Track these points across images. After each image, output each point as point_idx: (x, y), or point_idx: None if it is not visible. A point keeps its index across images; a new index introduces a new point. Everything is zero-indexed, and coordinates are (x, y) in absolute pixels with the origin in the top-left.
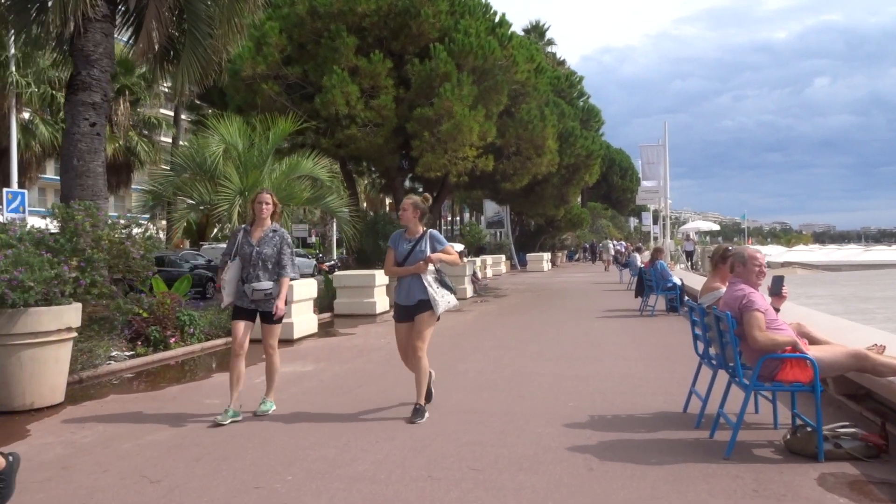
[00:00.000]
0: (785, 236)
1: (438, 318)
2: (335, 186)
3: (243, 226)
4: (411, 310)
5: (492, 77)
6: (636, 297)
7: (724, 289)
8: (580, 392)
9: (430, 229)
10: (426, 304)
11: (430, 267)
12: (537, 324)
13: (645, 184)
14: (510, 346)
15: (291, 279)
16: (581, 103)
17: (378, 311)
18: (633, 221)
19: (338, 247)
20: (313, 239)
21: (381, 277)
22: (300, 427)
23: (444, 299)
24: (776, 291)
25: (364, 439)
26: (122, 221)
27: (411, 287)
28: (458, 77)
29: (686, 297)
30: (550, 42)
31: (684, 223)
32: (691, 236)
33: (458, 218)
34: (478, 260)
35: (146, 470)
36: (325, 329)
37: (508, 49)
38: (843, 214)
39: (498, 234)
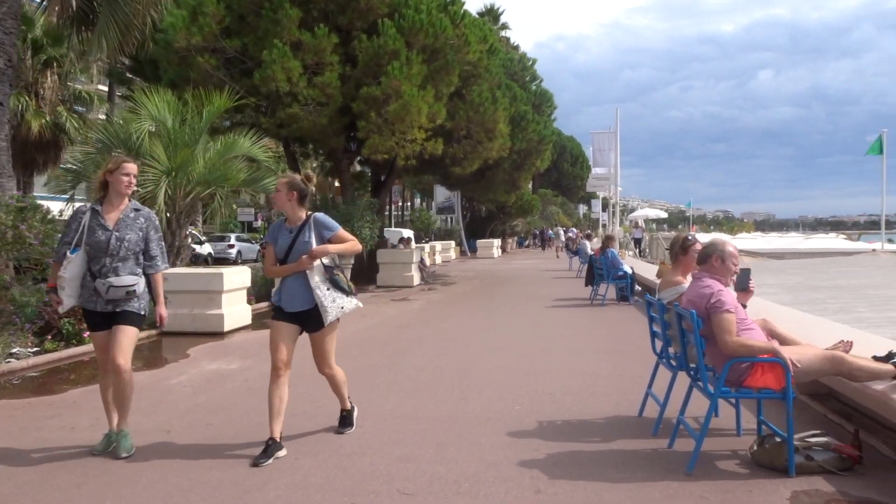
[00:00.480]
0: (728, 224)
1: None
2: (277, 168)
3: (89, 205)
4: (301, 317)
5: (443, 56)
6: (586, 285)
7: (686, 284)
8: (528, 392)
9: (316, 213)
10: (318, 317)
11: (318, 263)
12: (485, 313)
13: (595, 171)
14: (456, 338)
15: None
16: (534, 87)
17: None
18: (582, 209)
19: None
20: (259, 223)
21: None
22: (210, 441)
23: (334, 305)
24: (743, 286)
25: (282, 455)
26: (14, 202)
27: (293, 290)
28: (408, 55)
29: (637, 286)
30: (505, 26)
31: (633, 211)
32: (640, 224)
33: (409, 203)
34: (426, 246)
35: (15, 501)
36: (261, 320)
37: (461, 28)
38: (782, 203)
39: (449, 220)
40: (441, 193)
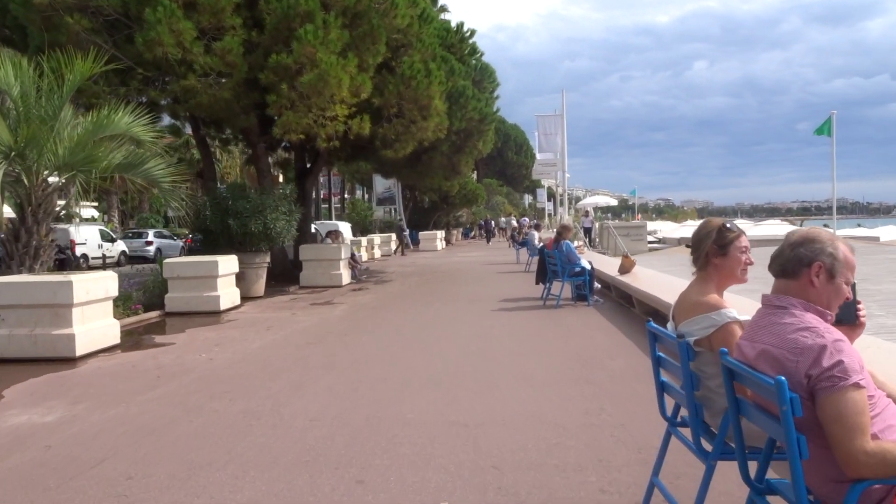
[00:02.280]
0: (671, 212)
1: None
2: (170, 152)
3: None
4: None
5: (367, 21)
6: (537, 283)
7: (729, 309)
8: (462, 467)
9: None
10: None
11: None
12: (418, 323)
13: (541, 156)
14: (374, 363)
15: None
16: (474, 61)
17: (223, 306)
18: (527, 198)
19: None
20: None
21: (227, 264)
22: None
23: None
24: (850, 318)
25: None
26: None
27: None
28: (325, 18)
29: (596, 283)
30: (444, 9)
31: (577, 200)
32: (589, 213)
33: (347, 195)
34: (363, 240)
35: None
36: (137, 336)
37: None
38: (720, 191)
39: (393, 211)
40: (381, 184)
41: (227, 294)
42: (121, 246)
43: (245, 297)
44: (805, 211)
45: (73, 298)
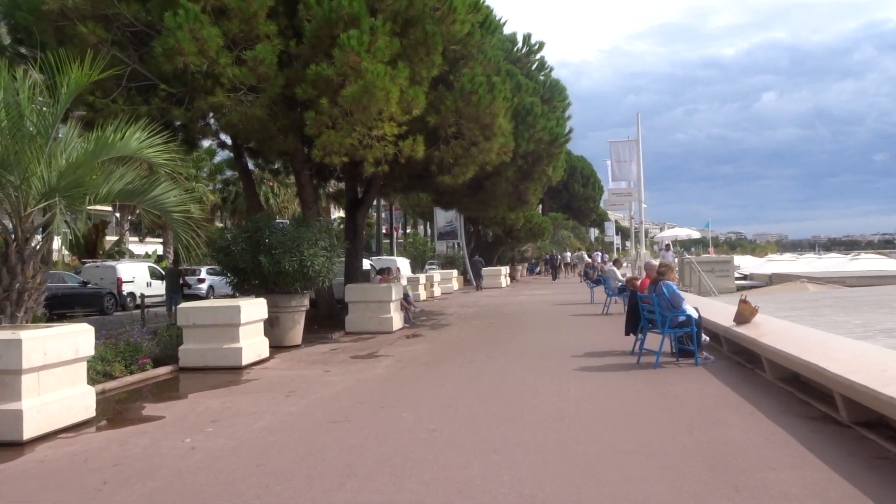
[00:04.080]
0: (745, 246)
1: None
2: (190, 177)
3: None
4: None
5: (420, 27)
6: (627, 333)
7: None
8: None
9: None
10: None
11: None
12: (476, 390)
13: (615, 185)
14: (411, 468)
15: None
16: (542, 77)
17: (245, 360)
18: (593, 232)
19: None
20: None
21: (252, 310)
22: None
23: None
24: None
25: None
26: None
27: None
28: (372, 24)
29: (704, 336)
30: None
31: (647, 234)
32: (669, 246)
33: (410, 230)
34: (422, 277)
35: None
36: (122, 405)
37: None
38: (793, 224)
39: (456, 245)
40: (442, 217)
41: (252, 345)
42: None
43: (278, 347)
44: (888, 244)
45: (24, 363)
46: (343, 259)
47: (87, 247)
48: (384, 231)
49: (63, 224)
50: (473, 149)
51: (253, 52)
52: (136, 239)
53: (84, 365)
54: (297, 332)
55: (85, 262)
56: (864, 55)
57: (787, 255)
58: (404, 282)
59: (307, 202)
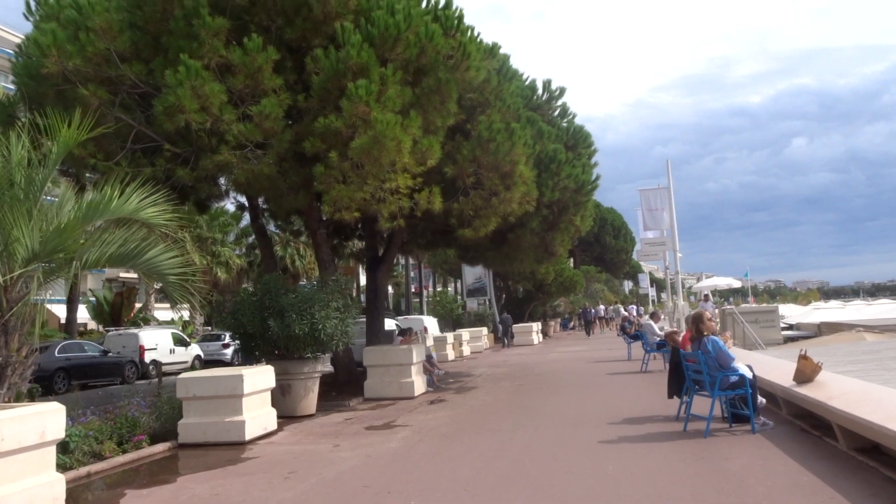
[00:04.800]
0: (785, 294)
1: None
2: (188, 240)
3: None
4: None
5: (433, 75)
6: (670, 396)
7: None
8: None
9: None
10: None
11: None
12: (500, 469)
13: (646, 235)
14: None
15: None
16: (565, 124)
17: (249, 434)
18: (627, 285)
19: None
20: None
21: (257, 379)
22: None
23: None
24: None
25: None
26: None
27: None
28: (382, 73)
29: (759, 398)
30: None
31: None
32: (709, 297)
33: (440, 288)
34: (450, 336)
35: None
36: (100, 493)
37: (456, 38)
38: (834, 270)
39: (487, 302)
40: (470, 274)
41: (257, 418)
42: (195, 350)
43: (289, 417)
44: None
45: None
46: (364, 320)
47: (113, 314)
48: (413, 290)
49: (40, 292)
50: (494, 199)
51: (258, 107)
52: (168, 305)
53: (52, 449)
54: (310, 401)
55: (108, 331)
56: (894, 97)
57: (834, 303)
58: (430, 342)
59: (324, 262)
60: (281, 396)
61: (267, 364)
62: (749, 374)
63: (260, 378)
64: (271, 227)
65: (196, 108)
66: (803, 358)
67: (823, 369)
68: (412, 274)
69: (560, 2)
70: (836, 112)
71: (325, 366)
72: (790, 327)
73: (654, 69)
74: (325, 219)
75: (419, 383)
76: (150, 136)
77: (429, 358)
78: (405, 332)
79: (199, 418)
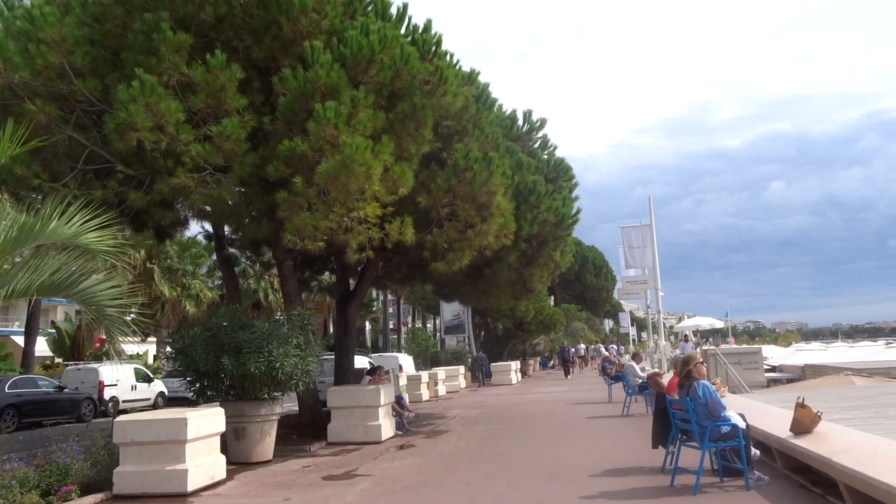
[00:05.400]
0: (765, 335)
1: None
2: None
3: None
4: None
5: (408, 100)
6: (655, 446)
7: None
8: None
9: None
10: None
11: None
12: None
13: (628, 273)
14: None
15: None
16: (546, 156)
17: (193, 485)
18: (608, 324)
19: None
20: None
21: (203, 422)
22: None
23: None
24: None
25: None
26: None
27: None
28: (353, 96)
29: (754, 449)
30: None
31: (665, 325)
32: (689, 337)
33: (419, 324)
34: (424, 375)
35: None
36: None
37: (433, 63)
38: (812, 312)
39: (466, 340)
40: (448, 310)
41: (203, 466)
42: (159, 386)
43: (242, 464)
44: None
45: None
46: (333, 357)
47: (74, 347)
48: (392, 326)
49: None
50: (469, 231)
51: (219, 127)
52: (139, 339)
53: None
54: (266, 446)
55: (67, 365)
56: (869, 143)
57: (816, 344)
58: (404, 381)
59: (290, 296)
60: (235, 440)
61: (221, 405)
62: (742, 424)
63: (207, 421)
64: (244, 260)
65: (149, 127)
66: (801, 406)
67: (789, 408)
68: (390, 310)
69: (545, 45)
70: (814, 157)
71: (282, 407)
72: (773, 369)
73: (635, 111)
74: (290, 249)
75: (387, 427)
76: (105, 157)
77: (399, 399)
78: (374, 371)
79: (137, 466)
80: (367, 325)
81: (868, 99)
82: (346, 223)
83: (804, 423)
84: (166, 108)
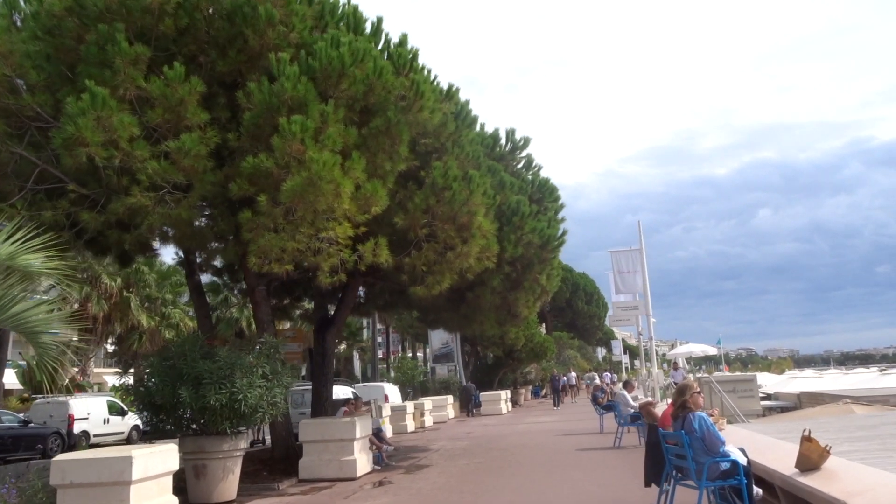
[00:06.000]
0: (762, 362)
1: None
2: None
3: None
4: None
5: (382, 115)
6: (648, 483)
7: None
8: None
9: None
10: None
11: None
12: None
13: (618, 298)
14: None
15: None
16: (530, 176)
17: None
18: (600, 352)
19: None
20: None
21: (151, 461)
22: None
23: None
24: None
25: None
26: None
27: None
28: (322, 110)
29: (756, 488)
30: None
31: (658, 352)
32: (680, 365)
33: (409, 353)
34: (409, 405)
35: None
36: None
37: (409, 77)
38: (803, 339)
39: (456, 369)
40: (437, 339)
41: None
42: (133, 420)
43: None
44: None
45: None
46: (311, 387)
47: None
48: (381, 356)
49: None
50: (449, 253)
51: (177, 143)
52: (119, 370)
53: None
54: (229, 484)
55: (35, 398)
56: (853, 171)
57: (810, 371)
58: (387, 411)
59: (262, 323)
60: (195, 479)
61: (180, 441)
62: (743, 460)
63: (157, 459)
64: (224, 288)
65: (100, 142)
66: (807, 440)
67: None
68: (379, 339)
69: (532, 76)
70: (799, 185)
71: (249, 442)
72: (768, 397)
73: (622, 140)
74: (261, 274)
75: (363, 462)
76: (57, 177)
77: (377, 431)
78: (351, 403)
79: None
80: (356, 355)
81: (850, 128)
82: (315, 245)
83: (811, 458)
84: (119, 123)
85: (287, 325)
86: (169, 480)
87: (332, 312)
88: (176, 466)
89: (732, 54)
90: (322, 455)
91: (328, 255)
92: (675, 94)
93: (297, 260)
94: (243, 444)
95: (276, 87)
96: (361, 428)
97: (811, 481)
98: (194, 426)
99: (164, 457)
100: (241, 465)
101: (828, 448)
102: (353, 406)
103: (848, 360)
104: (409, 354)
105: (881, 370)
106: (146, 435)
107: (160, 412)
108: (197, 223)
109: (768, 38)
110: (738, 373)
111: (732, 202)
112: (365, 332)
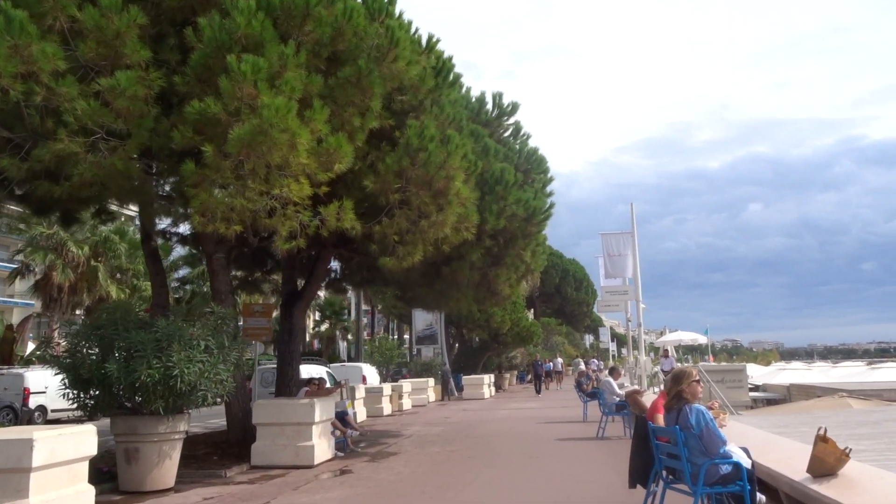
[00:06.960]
0: (744, 354)
1: None
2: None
3: None
4: None
5: (352, 64)
6: (633, 485)
7: None
8: None
9: None
10: None
11: None
12: None
13: (608, 283)
14: None
15: None
16: (517, 145)
17: None
18: (588, 339)
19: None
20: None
21: (62, 443)
22: None
23: None
24: None
25: None
26: None
27: None
28: (281, 52)
29: (760, 495)
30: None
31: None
32: (669, 353)
33: (395, 334)
34: (386, 387)
35: None
36: None
37: (383, 24)
38: (787, 332)
39: (440, 351)
40: (421, 320)
41: (57, 501)
42: None
43: (133, 493)
44: (884, 353)
45: None
46: (275, 366)
47: (3, 351)
48: (367, 336)
49: None
50: (423, 222)
51: (110, 80)
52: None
53: None
54: (166, 471)
55: None
56: (843, 169)
57: (798, 364)
58: (361, 393)
59: (220, 293)
60: (126, 464)
61: (112, 421)
62: (747, 463)
63: (67, 443)
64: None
65: (13, 72)
66: (823, 440)
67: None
68: (365, 320)
69: (529, 63)
70: (790, 180)
71: (187, 424)
72: (756, 388)
73: (617, 131)
74: (219, 240)
75: (323, 448)
76: None
77: (342, 415)
78: (313, 383)
79: None
80: (338, 335)
81: (842, 126)
82: (268, 203)
83: (827, 462)
84: (40, 53)
85: (261, 300)
86: (84, 467)
87: (301, 286)
88: (94, 451)
89: (729, 49)
90: (277, 440)
91: (285, 216)
92: (671, 86)
93: (249, 221)
94: (183, 425)
95: (229, 22)
96: (322, 411)
97: (828, 490)
98: (128, 405)
99: (77, 439)
100: (190, 449)
101: (847, 451)
102: (317, 386)
103: (831, 353)
104: (395, 336)
105: (870, 364)
106: (81, 414)
107: (89, 388)
108: (135, 176)
109: (766, 34)
110: (723, 363)
111: (724, 195)
112: (347, 311)
